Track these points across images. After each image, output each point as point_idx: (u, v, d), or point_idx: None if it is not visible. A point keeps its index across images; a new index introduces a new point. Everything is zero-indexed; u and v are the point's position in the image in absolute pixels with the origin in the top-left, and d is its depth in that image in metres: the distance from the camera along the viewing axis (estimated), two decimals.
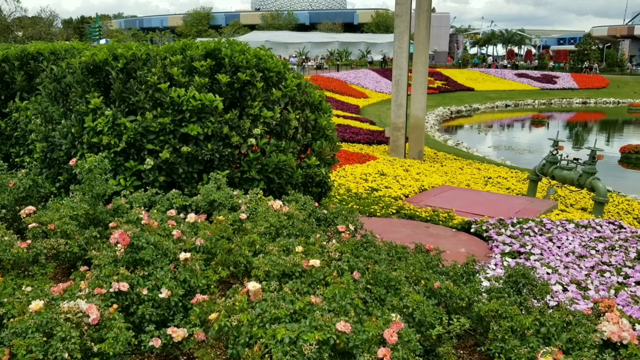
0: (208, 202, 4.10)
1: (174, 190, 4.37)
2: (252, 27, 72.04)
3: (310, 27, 74.75)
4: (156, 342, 2.48)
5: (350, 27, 74.48)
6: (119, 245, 2.95)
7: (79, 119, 4.76)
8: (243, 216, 3.79)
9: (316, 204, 4.54)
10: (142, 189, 4.36)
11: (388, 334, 2.24)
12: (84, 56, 4.90)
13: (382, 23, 70.27)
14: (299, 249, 3.15)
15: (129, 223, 3.35)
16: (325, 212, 4.37)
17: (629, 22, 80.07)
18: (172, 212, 3.83)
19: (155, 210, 3.86)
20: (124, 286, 2.69)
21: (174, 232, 3.33)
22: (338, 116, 22.41)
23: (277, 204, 4.03)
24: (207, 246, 3.30)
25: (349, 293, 2.60)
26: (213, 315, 2.45)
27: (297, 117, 5.32)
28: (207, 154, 4.68)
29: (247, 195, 4.32)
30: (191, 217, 3.70)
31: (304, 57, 52.38)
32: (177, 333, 2.50)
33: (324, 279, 2.84)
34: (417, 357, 2.29)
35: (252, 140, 4.83)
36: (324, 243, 3.43)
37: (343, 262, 3.14)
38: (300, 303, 2.40)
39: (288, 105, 5.32)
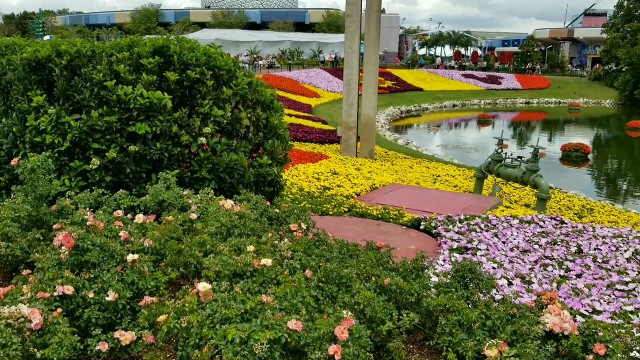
0: (157, 202, 4.02)
1: (121, 190, 4.26)
2: (202, 25, 70.98)
3: (262, 26, 74.28)
4: (103, 347, 2.42)
5: (302, 26, 74.47)
6: (63, 247, 2.85)
7: (21, 118, 4.57)
8: (194, 216, 3.74)
9: (268, 204, 4.52)
10: (88, 190, 4.23)
11: (339, 331, 2.26)
12: (26, 53, 4.71)
13: (333, 23, 70.60)
14: (251, 248, 3.14)
15: (74, 225, 3.24)
16: (278, 211, 4.36)
17: (569, 25, 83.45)
18: (120, 213, 3.73)
19: (101, 212, 3.75)
20: (69, 290, 2.60)
21: (122, 234, 3.25)
22: (290, 115, 22.41)
23: (228, 203, 3.99)
24: (157, 247, 3.23)
25: (300, 292, 2.61)
26: (162, 318, 2.41)
27: (249, 116, 5.29)
28: (156, 153, 4.59)
29: (198, 195, 4.26)
30: (140, 218, 3.61)
31: (255, 56, 52.03)
32: (125, 336, 2.44)
33: (276, 278, 2.84)
34: (368, 353, 2.32)
35: (203, 140, 4.77)
36: (276, 242, 3.43)
37: (295, 261, 3.14)
38: (252, 303, 2.39)
39: (239, 104, 5.28)
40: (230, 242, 3.28)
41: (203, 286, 2.51)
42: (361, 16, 14.90)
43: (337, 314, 2.45)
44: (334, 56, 53.42)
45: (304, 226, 4.03)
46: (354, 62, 14.87)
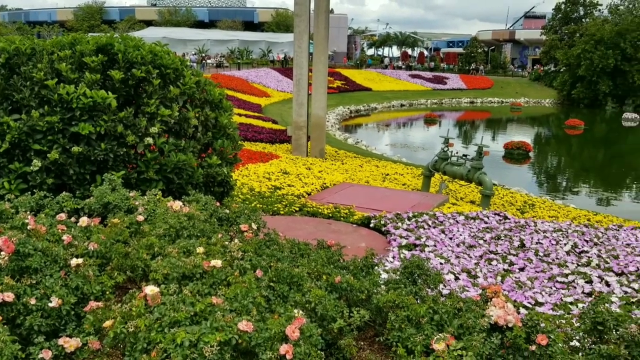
0: (102, 204, 3.91)
1: (64, 193, 4.12)
2: (148, 23, 69.29)
3: (210, 25, 73.19)
4: (46, 354, 2.33)
5: (250, 25, 73.87)
6: (2, 253, 2.74)
7: None
8: (140, 218, 3.65)
9: (218, 204, 4.48)
10: (29, 193, 4.07)
11: (290, 330, 2.27)
12: None
13: (282, 22, 70.40)
14: (200, 250, 3.10)
15: (14, 229, 3.11)
16: (228, 211, 4.32)
17: (510, 27, 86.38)
18: (62, 216, 3.61)
19: (43, 215, 3.62)
20: (9, 296, 2.50)
21: (64, 237, 3.14)
22: (240, 115, 22.22)
23: (177, 204, 3.92)
24: (102, 251, 3.15)
25: (251, 292, 2.60)
26: (108, 323, 2.35)
27: (197, 115, 5.21)
28: (101, 154, 4.46)
29: (145, 197, 4.17)
30: (83, 220, 3.51)
31: (203, 54, 51.25)
32: (70, 343, 2.36)
33: (226, 279, 2.81)
34: (319, 351, 2.34)
35: (149, 140, 4.67)
36: (226, 243, 3.40)
37: (245, 261, 3.13)
38: (201, 305, 2.36)
39: (187, 103, 5.20)
40: (179, 243, 3.22)
41: (150, 289, 2.46)
42: (309, 16, 14.94)
43: (288, 313, 2.45)
44: (282, 55, 53.29)
45: (254, 226, 4.01)
46: (303, 62, 14.89)
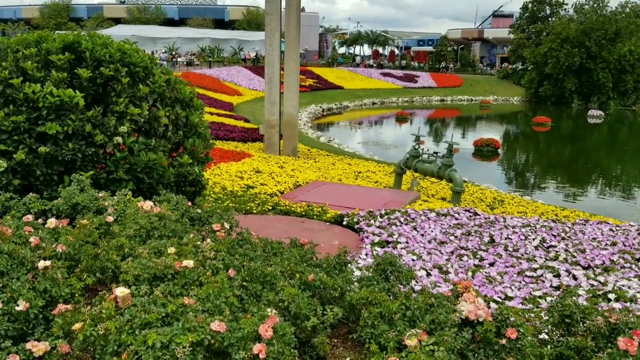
0: (70, 205, 3.83)
1: (31, 194, 4.02)
2: (117, 21, 68.10)
3: (180, 22, 72.32)
4: (14, 359, 2.28)
5: (221, 23, 73.29)
6: None
7: None
8: (110, 219, 3.59)
9: (190, 204, 4.43)
10: None
11: (263, 329, 2.26)
12: None
13: (253, 20, 70.04)
14: (172, 250, 3.07)
15: None
16: (200, 211, 4.28)
17: (479, 25, 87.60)
18: (30, 217, 3.53)
19: (9, 217, 3.53)
20: None
21: (32, 239, 3.07)
22: (211, 114, 22.04)
23: (147, 204, 3.87)
24: (70, 252, 3.09)
25: (223, 292, 2.59)
26: (77, 325, 2.31)
27: (167, 114, 5.15)
28: (68, 154, 4.37)
29: (115, 197, 4.11)
30: (51, 222, 3.43)
31: (174, 52, 50.63)
32: (38, 347, 2.31)
33: (198, 279, 2.79)
34: (292, 350, 2.34)
35: (119, 139, 4.60)
36: (198, 243, 3.37)
37: (218, 261, 3.11)
38: (173, 306, 2.34)
39: (157, 102, 5.13)
40: (150, 244, 3.18)
41: (121, 291, 2.42)
42: (281, 14, 14.90)
43: (261, 313, 2.45)
44: (253, 54, 53.04)
45: (226, 225, 3.99)
46: (275, 60, 14.85)
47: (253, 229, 4.33)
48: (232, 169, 11.06)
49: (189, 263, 2.85)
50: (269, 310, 2.48)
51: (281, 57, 15.18)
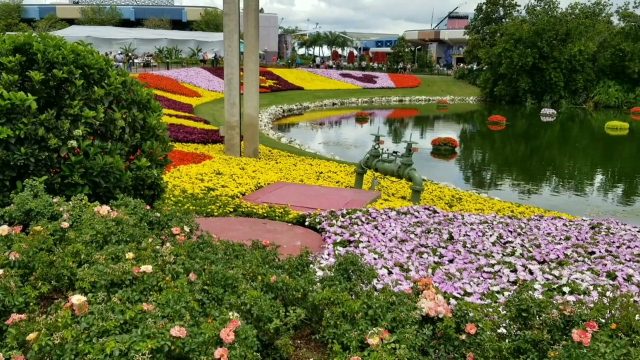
0: (24, 211, 3.71)
1: None
2: (70, 22, 66.22)
3: (136, 23, 70.95)
4: None
5: (178, 24, 72.27)
6: None
7: None
8: (65, 225, 3.50)
9: (148, 207, 4.35)
10: None
11: (225, 333, 2.24)
12: None
13: (211, 21, 69.33)
14: (130, 255, 3.00)
15: None
16: (159, 215, 4.21)
17: (435, 27, 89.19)
18: None
19: None
20: None
21: None
22: (170, 115, 21.71)
23: (104, 209, 3.78)
24: (24, 260, 2.98)
25: (184, 296, 2.55)
26: (32, 335, 2.24)
27: (124, 116, 5.05)
28: (21, 158, 4.23)
29: (70, 202, 4.00)
30: (3, 229, 3.31)
31: (130, 54, 49.62)
32: None
33: (157, 284, 2.74)
34: (255, 353, 2.33)
35: (73, 142, 4.48)
36: (158, 247, 3.31)
37: (178, 265, 3.06)
38: (131, 312, 2.29)
39: (113, 104, 5.02)
40: (107, 249, 3.11)
41: (77, 298, 2.36)
42: (239, 14, 14.80)
43: (222, 316, 2.42)
44: (211, 55, 52.52)
45: (186, 229, 3.93)
46: (234, 61, 14.74)
47: (214, 232, 4.29)
48: (192, 171, 10.92)
49: (148, 268, 2.80)
50: (230, 313, 2.46)
51: (240, 58, 15.08)
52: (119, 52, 48.77)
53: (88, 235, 3.32)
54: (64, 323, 2.25)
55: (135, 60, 47.23)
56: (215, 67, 46.26)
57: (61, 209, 3.82)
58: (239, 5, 14.79)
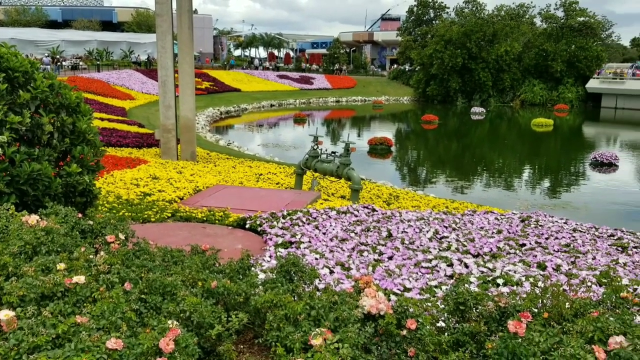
0: None
1: None
2: None
3: (64, 25, 67.91)
4: None
5: (109, 25, 69.77)
6: None
7: None
8: None
9: (80, 215, 4.19)
10: None
11: (164, 342, 2.19)
12: None
13: (143, 22, 67.41)
14: (61, 266, 2.88)
15: None
16: (92, 222, 4.06)
17: (369, 28, 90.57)
18: None
19: None
20: None
21: None
22: (102, 119, 20.96)
23: (33, 218, 3.61)
24: None
25: (119, 307, 2.46)
26: None
27: (52, 121, 4.84)
28: None
29: None
30: None
31: (58, 56, 47.47)
32: None
33: (91, 295, 2.64)
34: None
35: None
36: (91, 257, 3.19)
37: (113, 274, 2.96)
38: (64, 326, 2.19)
39: (40, 108, 4.80)
40: (37, 261, 2.97)
41: (4, 314, 2.24)
42: (172, 15, 14.48)
43: (161, 325, 2.36)
44: (144, 57, 51.14)
45: (122, 236, 3.81)
46: (168, 63, 14.41)
47: (151, 238, 4.18)
48: (127, 176, 10.59)
49: (80, 279, 2.69)
50: (170, 322, 2.40)
51: (175, 59, 14.76)
52: (46, 54, 46.60)
53: (16, 246, 3.16)
54: None
55: (64, 63, 45.25)
56: (149, 69, 45.05)
57: None
58: (172, 6, 14.47)
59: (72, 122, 5.12)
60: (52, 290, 2.62)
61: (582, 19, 53.99)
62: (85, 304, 2.58)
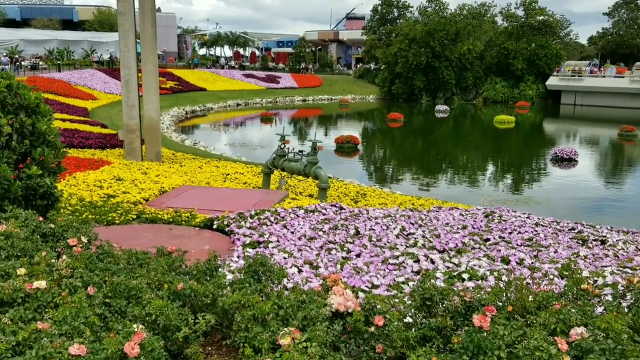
0: None
1: None
2: None
3: (23, 24, 65.94)
4: None
5: (70, 24, 68.02)
6: None
7: None
8: None
9: (41, 219, 4.08)
10: None
11: (129, 347, 2.15)
12: None
13: (105, 21, 65.99)
14: (22, 271, 2.80)
15: None
16: (53, 226, 3.96)
17: (334, 27, 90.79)
18: None
19: None
20: None
21: None
22: (64, 120, 20.47)
23: None
24: None
25: (82, 311, 2.41)
26: None
27: (10, 122, 4.71)
28: None
29: None
30: None
31: (17, 56, 46.06)
32: None
33: (52, 300, 2.57)
34: None
35: None
36: (53, 261, 3.11)
37: (75, 278, 2.89)
38: (25, 332, 2.14)
39: None
40: None
41: None
42: (135, 14, 14.23)
43: (126, 329, 2.32)
44: (107, 56, 50.12)
45: (84, 239, 3.73)
46: (131, 62, 14.16)
47: (116, 241, 4.10)
48: (90, 178, 10.36)
49: (42, 284, 2.62)
50: (135, 326, 2.36)
51: (138, 58, 14.51)
52: (4, 54, 45.18)
53: None
54: None
55: (23, 63, 43.95)
56: (112, 68, 44.15)
57: None
58: (135, 5, 14.21)
59: (31, 123, 4.99)
60: (11, 296, 2.55)
61: (541, 17, 55.38)
62: (46, 310, 2.52)
